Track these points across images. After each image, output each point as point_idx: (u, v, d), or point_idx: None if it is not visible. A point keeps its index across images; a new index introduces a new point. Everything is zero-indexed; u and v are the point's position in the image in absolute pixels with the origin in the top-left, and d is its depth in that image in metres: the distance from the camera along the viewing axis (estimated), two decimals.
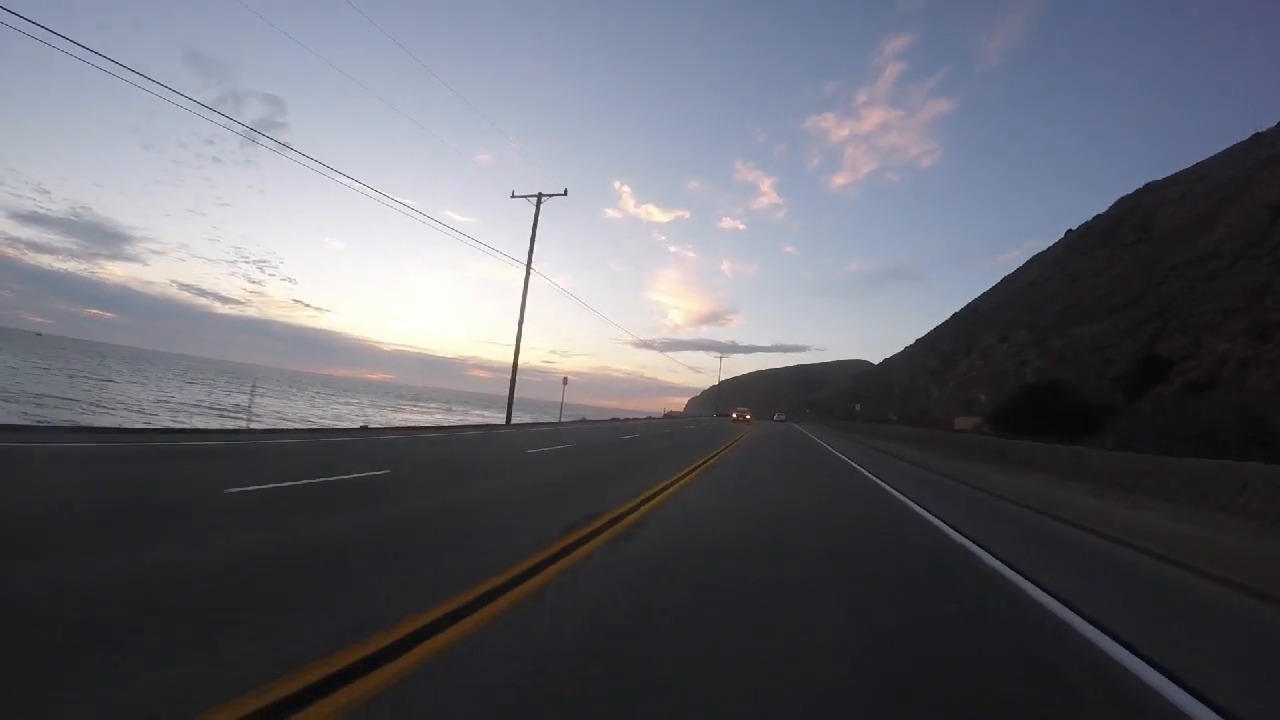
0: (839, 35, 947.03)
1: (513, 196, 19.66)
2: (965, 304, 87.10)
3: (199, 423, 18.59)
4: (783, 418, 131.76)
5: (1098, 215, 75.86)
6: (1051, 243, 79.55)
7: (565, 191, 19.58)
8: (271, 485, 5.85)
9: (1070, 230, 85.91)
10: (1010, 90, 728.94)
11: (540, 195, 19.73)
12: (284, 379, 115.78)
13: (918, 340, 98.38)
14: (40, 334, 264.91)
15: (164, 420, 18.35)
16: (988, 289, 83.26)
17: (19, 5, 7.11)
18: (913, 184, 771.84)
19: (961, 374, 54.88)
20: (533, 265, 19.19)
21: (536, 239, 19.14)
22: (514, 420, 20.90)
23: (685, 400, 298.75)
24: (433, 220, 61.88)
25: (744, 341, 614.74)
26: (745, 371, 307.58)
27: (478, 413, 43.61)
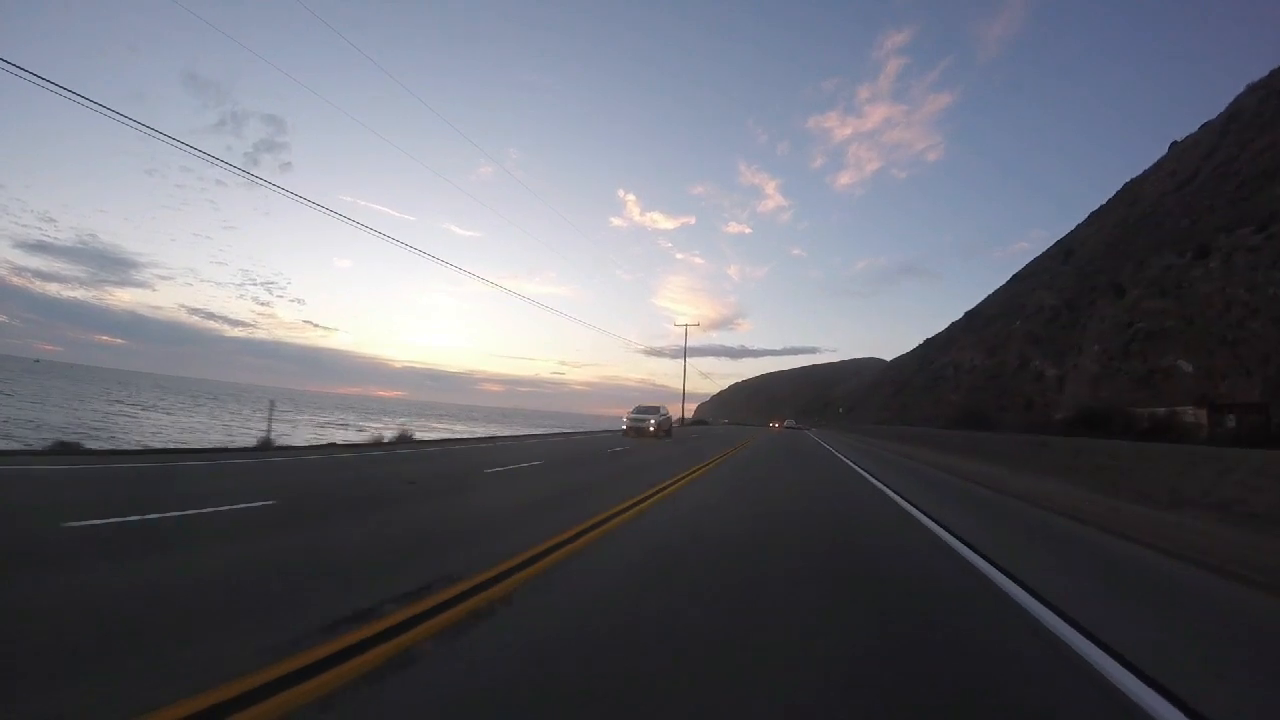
0: (838, 33, 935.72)
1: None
2: (1049, 245, 65.04)
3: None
4: (793, 423, 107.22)
5: (1206, 124, 54.80)
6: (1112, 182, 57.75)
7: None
8: None
9: (1175, 142, 64.67)
10: (1013, 79, 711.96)
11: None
12: (285, 398, 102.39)
13: (981, 303, 76.09)
14: (39, 360, 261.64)
15: None
16: (1079, 224, 60.96)
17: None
18: (919, 179, 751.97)
19: (1118, 331, 32.33)
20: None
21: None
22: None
23: (694, 406, 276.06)
24: (422, 251, 44.61)
25: (754, 345, 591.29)
26: (754, 375, 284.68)
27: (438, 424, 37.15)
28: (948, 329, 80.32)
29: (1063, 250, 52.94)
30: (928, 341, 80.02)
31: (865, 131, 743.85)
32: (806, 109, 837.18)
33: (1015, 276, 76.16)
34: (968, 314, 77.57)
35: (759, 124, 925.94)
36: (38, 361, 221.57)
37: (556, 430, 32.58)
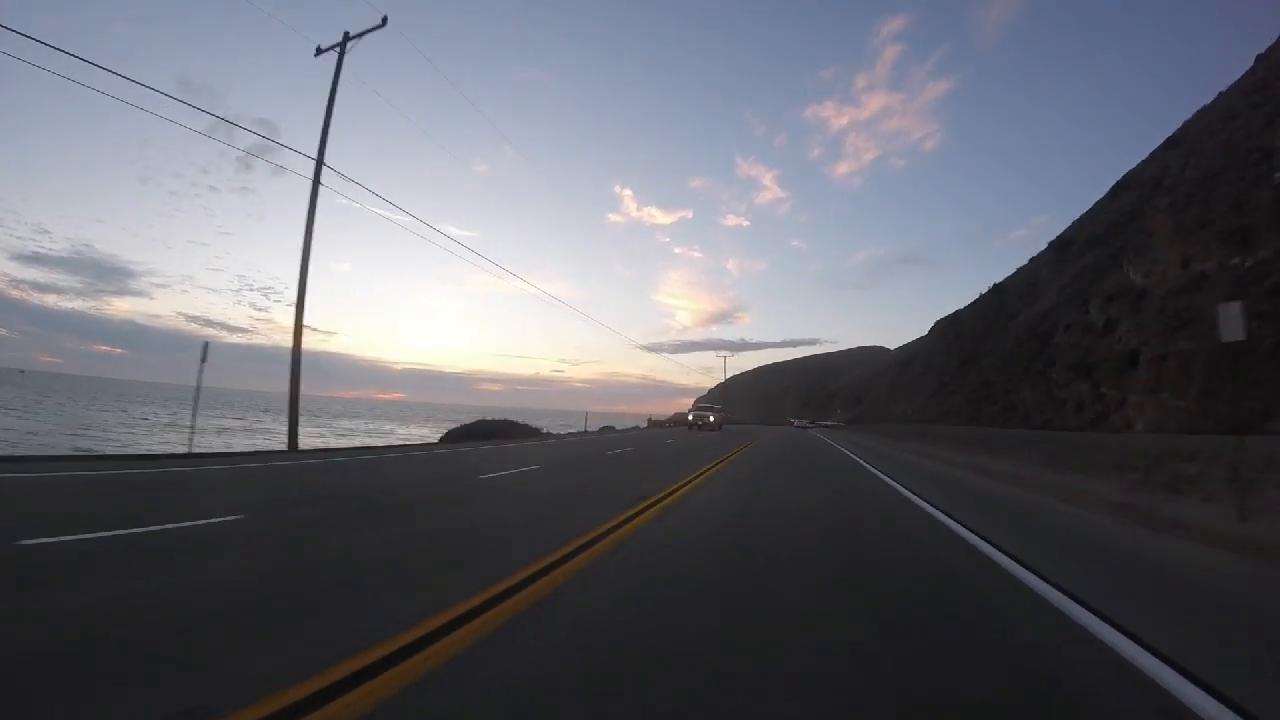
0: (834, 21, 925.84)
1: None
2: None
3: None
4: (805, 423, 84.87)
5: None
6: None
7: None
8: None
9: None
10: (1010, 64, 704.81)
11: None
12: (256, 403, 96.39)
13: (1078, 226, 53.81)
14: (24, 371, 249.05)
15: None
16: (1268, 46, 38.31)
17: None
18: (917, 167, 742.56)
19: None
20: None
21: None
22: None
23: (691, 401, 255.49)
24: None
25: (754, 339, 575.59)
26: (753, 366, 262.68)
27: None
28: (1028, 265, 57.33)
29: None
30: (996, 288, 57.03)
31: (862, 121, 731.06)
32: (804, 99, 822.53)
33: (1119, 184, 53.63)
34: (1059, 247, 54.83)
35: (756, 115, 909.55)
36: (23, 372, 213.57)
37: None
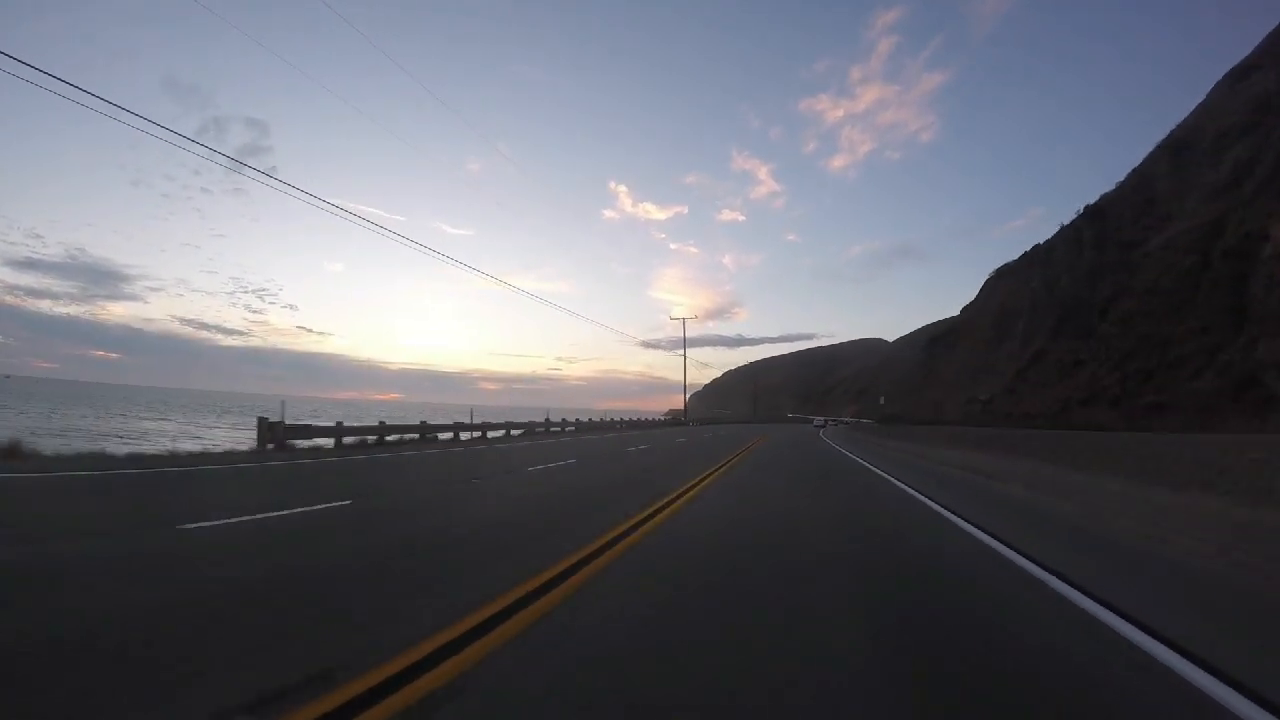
0: (830, 13, 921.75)
1: None
2: None
3: None
4: (823, 422, 69.26)
5: None
6: None
7: None
8: None
9: None
10: (1006, 55, 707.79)
11: None
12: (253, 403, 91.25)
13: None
14: (9, 376, 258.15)
15: None
16: None
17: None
18: (913, 160, 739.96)
19: None
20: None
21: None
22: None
23: (688, 396, 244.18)
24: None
25: (751, 334, 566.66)
26: (748, 362, 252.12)
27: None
28: (1129, 180, 45.95)
29: None
30: (1092, 212, 45.41)
31: (858, 113, 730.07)
32: (798, 92, 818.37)
33: (1237, 70, 42.66)
34: (1174, 150, 43.59)
35: (751, 108, 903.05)
36: (8, 378, 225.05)
37: None
